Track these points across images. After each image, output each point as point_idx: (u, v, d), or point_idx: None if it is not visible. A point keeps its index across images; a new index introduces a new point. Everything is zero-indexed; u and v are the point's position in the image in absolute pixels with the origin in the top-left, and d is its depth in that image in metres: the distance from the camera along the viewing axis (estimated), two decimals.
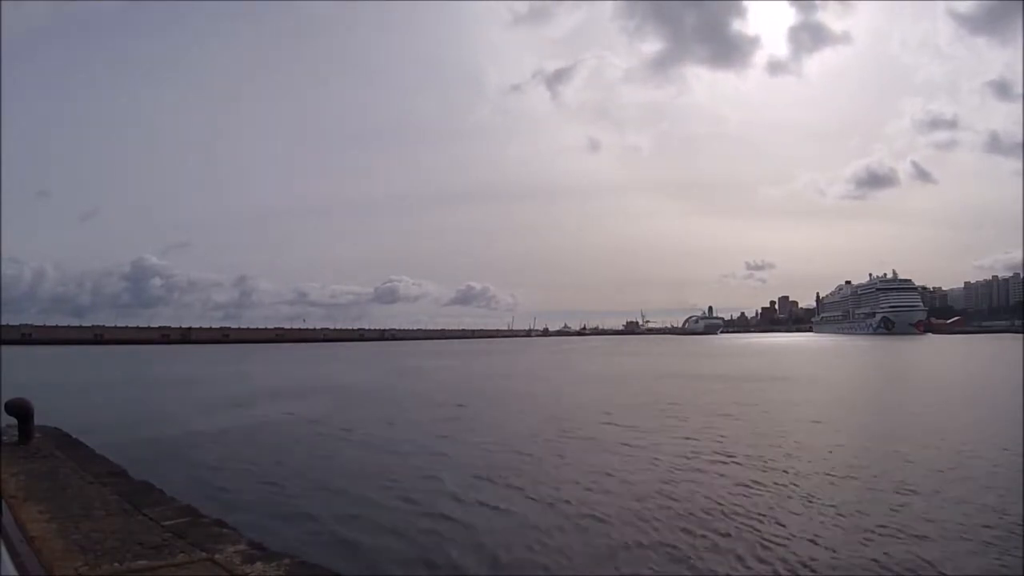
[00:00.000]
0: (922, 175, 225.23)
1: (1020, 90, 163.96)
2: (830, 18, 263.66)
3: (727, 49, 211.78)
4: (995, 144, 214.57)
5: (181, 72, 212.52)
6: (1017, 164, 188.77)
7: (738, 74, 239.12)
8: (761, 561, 6.69)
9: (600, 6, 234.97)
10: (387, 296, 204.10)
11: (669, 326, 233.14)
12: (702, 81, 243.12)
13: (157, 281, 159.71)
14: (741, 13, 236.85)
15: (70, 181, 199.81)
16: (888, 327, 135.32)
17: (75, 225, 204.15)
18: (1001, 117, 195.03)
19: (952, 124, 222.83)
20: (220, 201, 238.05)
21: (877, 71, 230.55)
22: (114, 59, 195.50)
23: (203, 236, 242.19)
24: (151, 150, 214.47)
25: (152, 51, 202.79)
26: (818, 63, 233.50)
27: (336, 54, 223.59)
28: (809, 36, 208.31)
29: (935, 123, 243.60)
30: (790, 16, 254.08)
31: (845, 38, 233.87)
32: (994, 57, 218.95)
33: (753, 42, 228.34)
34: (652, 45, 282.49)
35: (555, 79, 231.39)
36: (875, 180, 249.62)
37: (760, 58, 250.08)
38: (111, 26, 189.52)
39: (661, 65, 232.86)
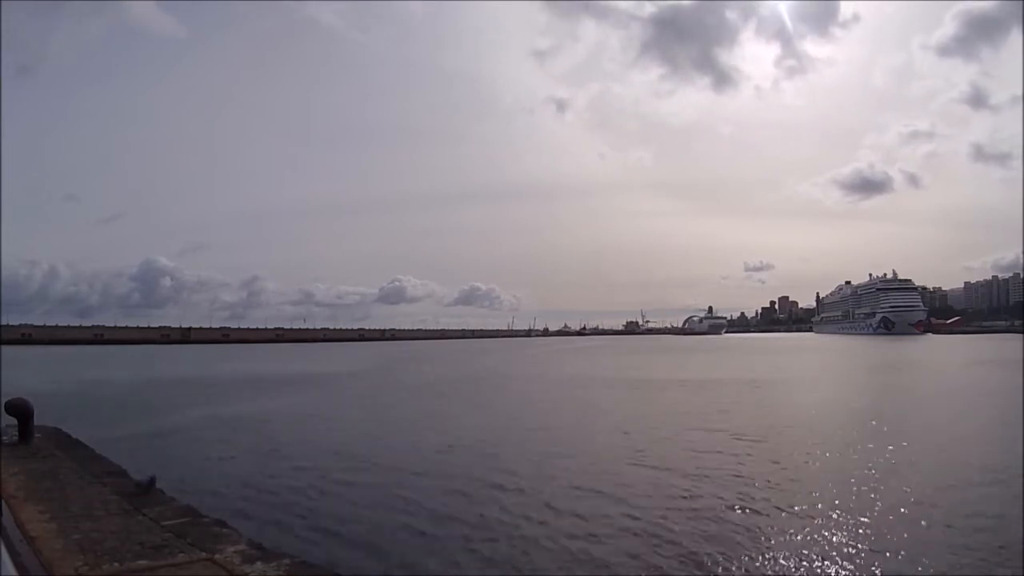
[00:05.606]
0: (913, 181, 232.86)
1: (996, 99, 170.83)
2: (811, 47, 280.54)
3: (720, 76, 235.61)
4: (979, 153, 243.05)
5: (205, 75, 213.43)
6: (1002, 171, 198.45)
7: (731, 97, 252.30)
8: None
9: (604, 41, 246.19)
10: (392, 296, 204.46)
11: (669, 326, 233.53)
12: (699, 105, 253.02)
13: (167, 282, 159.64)
14: (732, 44, 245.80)
15: (98, 185, 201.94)
16: (888, 327, 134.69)
17: (99, 228, 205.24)
18: (978, 127, 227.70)
19: (931, 135, 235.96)
20: (239, 203, 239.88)
21: (863, 90, 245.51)
22: (141, 64, 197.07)
23: (220, 238, 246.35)
24: (173, 154, 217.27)
25: (168, 54, 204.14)
26: (808, 81, 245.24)
27: (360, 61, 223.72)
28: (797, 62, 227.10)
29: (915, 135, 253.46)
30: (776, 47, 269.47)
31: (830, 62, 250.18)
32: (968, 71, 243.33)
33: (742, 70, 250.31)
34: (652, 74, 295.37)
35: (563, 105, 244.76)
36: (869, 185, 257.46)
37: (751, 81, 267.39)
38: (135, 31, 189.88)
39: (660, 91, 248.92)
